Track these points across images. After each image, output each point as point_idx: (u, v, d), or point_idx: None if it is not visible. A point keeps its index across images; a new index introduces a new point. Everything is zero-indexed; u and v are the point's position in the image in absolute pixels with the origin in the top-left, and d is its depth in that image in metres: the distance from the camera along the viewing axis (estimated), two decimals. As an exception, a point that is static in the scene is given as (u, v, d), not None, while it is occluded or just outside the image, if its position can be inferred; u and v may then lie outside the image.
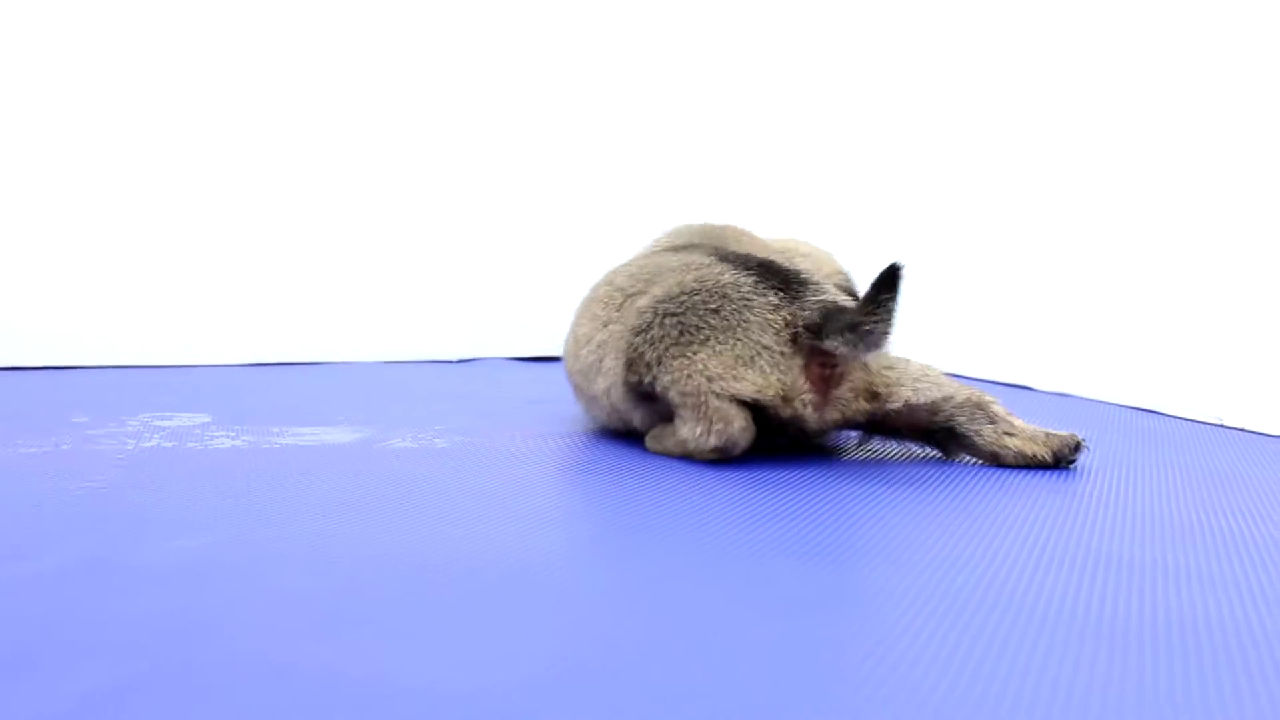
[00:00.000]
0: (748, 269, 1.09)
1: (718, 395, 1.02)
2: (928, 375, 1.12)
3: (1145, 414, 1.59)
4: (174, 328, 1.68)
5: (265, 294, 1.73)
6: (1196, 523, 0.94)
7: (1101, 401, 1.69)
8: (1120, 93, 1.65)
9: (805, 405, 1.04)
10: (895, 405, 1.08)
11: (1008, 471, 1.10)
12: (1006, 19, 1.72)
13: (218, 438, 1.15)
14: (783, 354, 1.03)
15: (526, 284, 1.88)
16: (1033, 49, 1.74)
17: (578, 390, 1.21)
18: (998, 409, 1.12)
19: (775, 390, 1.03)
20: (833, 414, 1.06)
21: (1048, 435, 1.12)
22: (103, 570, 0.72)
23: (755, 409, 1.04)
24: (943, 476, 1.08)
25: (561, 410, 1.32)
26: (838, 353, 1.02)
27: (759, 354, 1.02)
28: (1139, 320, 1.63)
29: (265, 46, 1.71)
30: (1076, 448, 1.11)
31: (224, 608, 0.66)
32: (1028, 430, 1.12)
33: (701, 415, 1.03)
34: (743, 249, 1.20)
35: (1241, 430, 1.50)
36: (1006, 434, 1.11)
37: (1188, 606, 0.71)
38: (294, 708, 0.53)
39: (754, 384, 1.02)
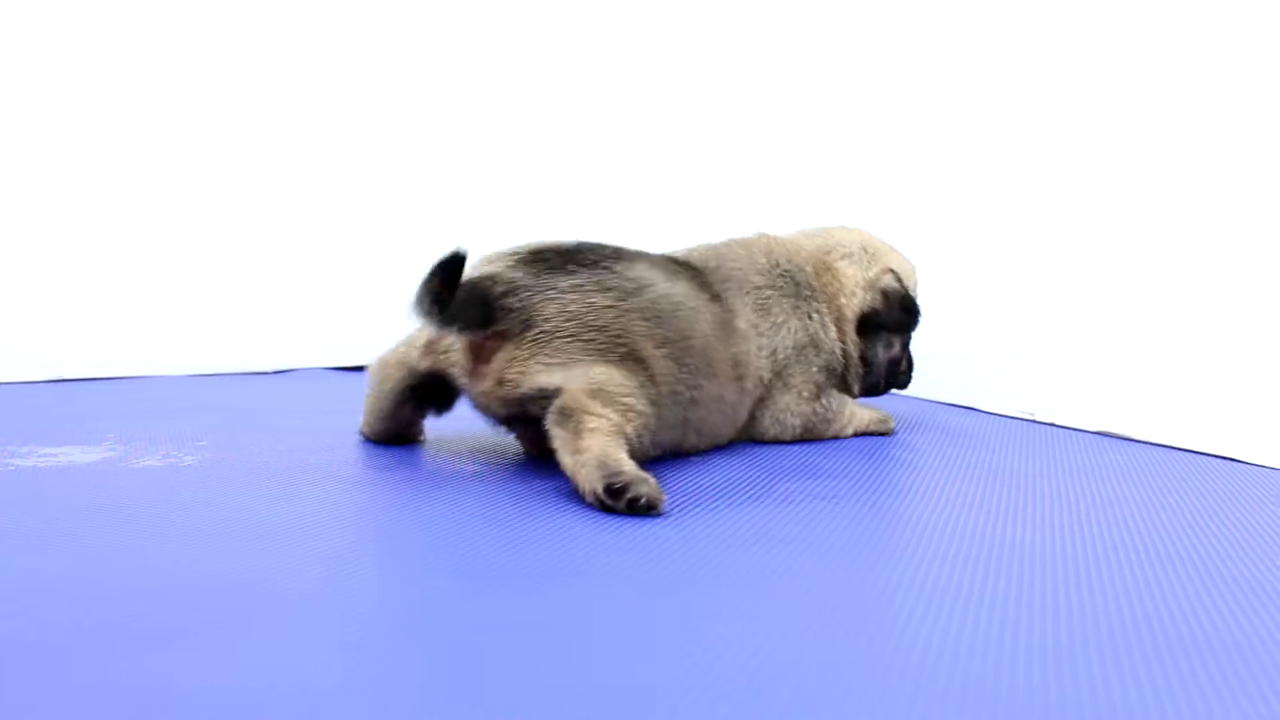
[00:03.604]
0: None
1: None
2: (592, 375, 1.01)
3: (959, 410, 1.60)
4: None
5: (64, 306, 1.63)
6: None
7: (924, 399, 1.69)
8: (1051, 113, 1.65)
9: (460, 372, 1.07)
10: (525, 389, 1.02)
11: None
12: (1024, 32, 1.70)
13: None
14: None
15: (346, 291, 1.81)
16: (1033, 58, 1.72)
17: None
18: (591, 423, 0.97)
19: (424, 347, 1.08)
20: (485, 384, 1.05)
21: (605, 470, 0.93)
22: None
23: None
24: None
25: (349, 422, 1.26)
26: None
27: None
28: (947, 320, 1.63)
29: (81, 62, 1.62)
30: (621, 492, 0.92)
31: None
32: (587, 456, 0.95)
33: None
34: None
35: (1052, 425, 1.51)
36: (574, 453, 0.96)
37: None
38: None
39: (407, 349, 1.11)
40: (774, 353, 1.27)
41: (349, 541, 0.85)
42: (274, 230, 1.77)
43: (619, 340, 1.04)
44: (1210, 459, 1.30)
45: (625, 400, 1.00)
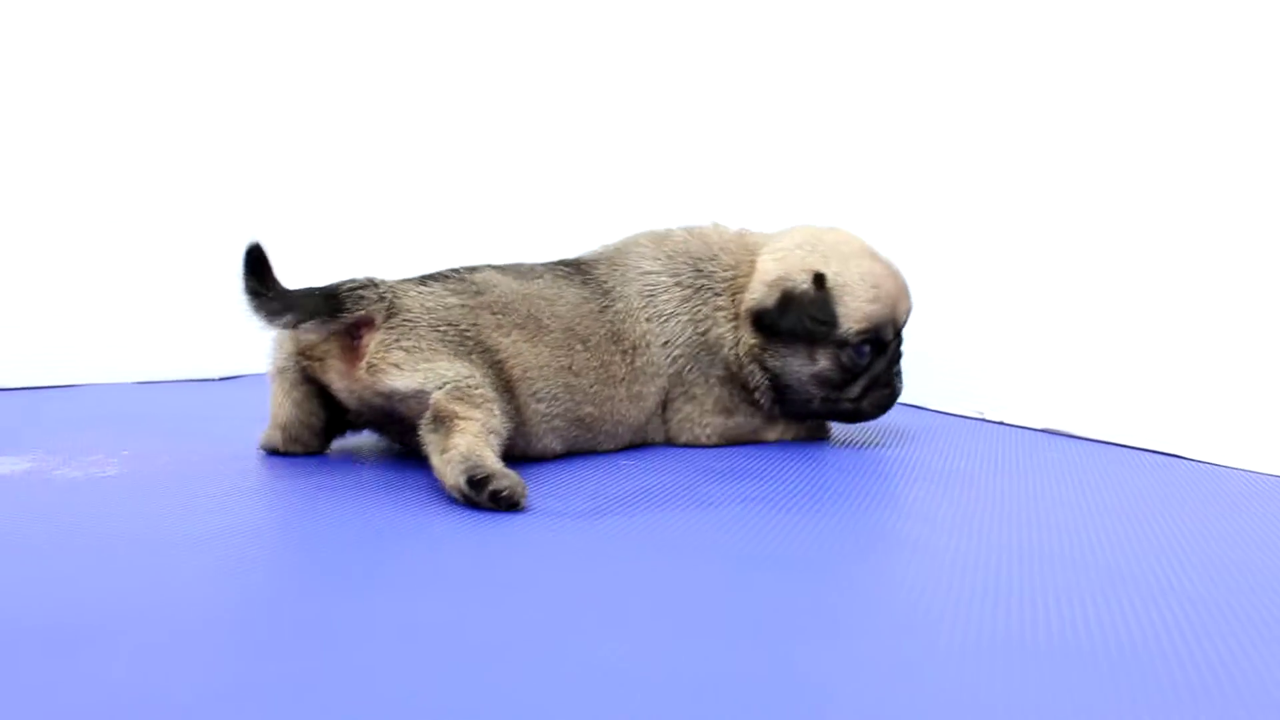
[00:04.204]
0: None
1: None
2: (451, 375, 1.03)
3: (910, 409, 1.58)
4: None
5: (5, 313, 1.62)
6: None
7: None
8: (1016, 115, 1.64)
9: (337, 375, 1.08)
10: (393, 381, 1.04)
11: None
12: (988, 29, 1.69)
13: None
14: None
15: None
16: (991, 57, 1.71)
17: None
18: (461, 425, 0.98)
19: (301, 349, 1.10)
20: (359, 372, 1.06)
21: (468, 463, 0.95)
22: None
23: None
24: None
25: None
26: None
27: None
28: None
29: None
30: (483, 483, 0.93)
31: None
32: (453, 453, 0.96)
33: None
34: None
35: (1001, 424, 1.50)
36: (441, 452, 0.97)
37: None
38: None
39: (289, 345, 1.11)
40: (667, 343, 1.24)
41: (249, 552, 0.83)
42: (220, 234, 1.75)
43: (467, 335, 1.09)
44: (1154, 455, 1.30)
45: (480, 392, 1.03)
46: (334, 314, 1.05)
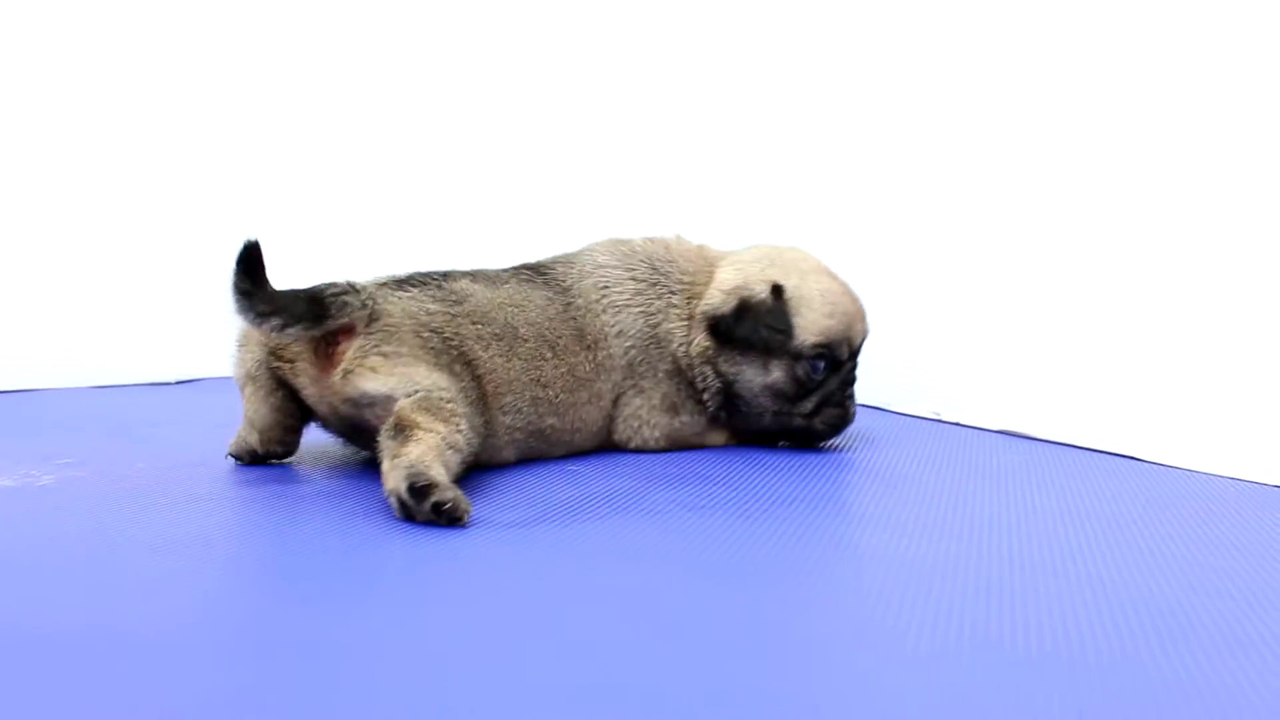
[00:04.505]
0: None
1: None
2: (423, 383, 1.01)
3: (868, 410, 1.58)
4: None
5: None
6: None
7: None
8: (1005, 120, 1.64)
9: (308, 380, 1.07)
10: (365, 386, 1.02)
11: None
12: (1018, 39, 1.67)
13: None
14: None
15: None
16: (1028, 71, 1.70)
17: None
18: (419, 435, 0.96)
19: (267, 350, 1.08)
20: (332, 378, 1.04)
21: (413, 471, 0.93)
22: None
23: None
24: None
25: (230, 435, 1.23)
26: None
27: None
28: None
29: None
30: (424, 491, 0.91)
31: None
32: (401, 460, 0.94)
33: None
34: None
35: (957, 425, 1.50)
36: (391, 458, 0.95)
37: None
38: None
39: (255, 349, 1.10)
40: (620, 334, 1.23)
41: (202, 561, 0.82)
42: (178, 236, 1.73)
43: (451, 343, 1.07)
44: (1109, 457, 1.30)
45: (449, 406, 1.01)
46: (318, 320, 1.02)
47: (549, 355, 1.16)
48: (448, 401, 1.01)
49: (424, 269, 1.18)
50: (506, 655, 0.66)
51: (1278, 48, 1.17)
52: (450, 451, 0.98)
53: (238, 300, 1.01)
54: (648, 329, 1.25)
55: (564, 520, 0.96)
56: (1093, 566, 0.87)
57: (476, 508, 0.96)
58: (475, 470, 1.08)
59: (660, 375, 1.25)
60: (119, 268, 1.69)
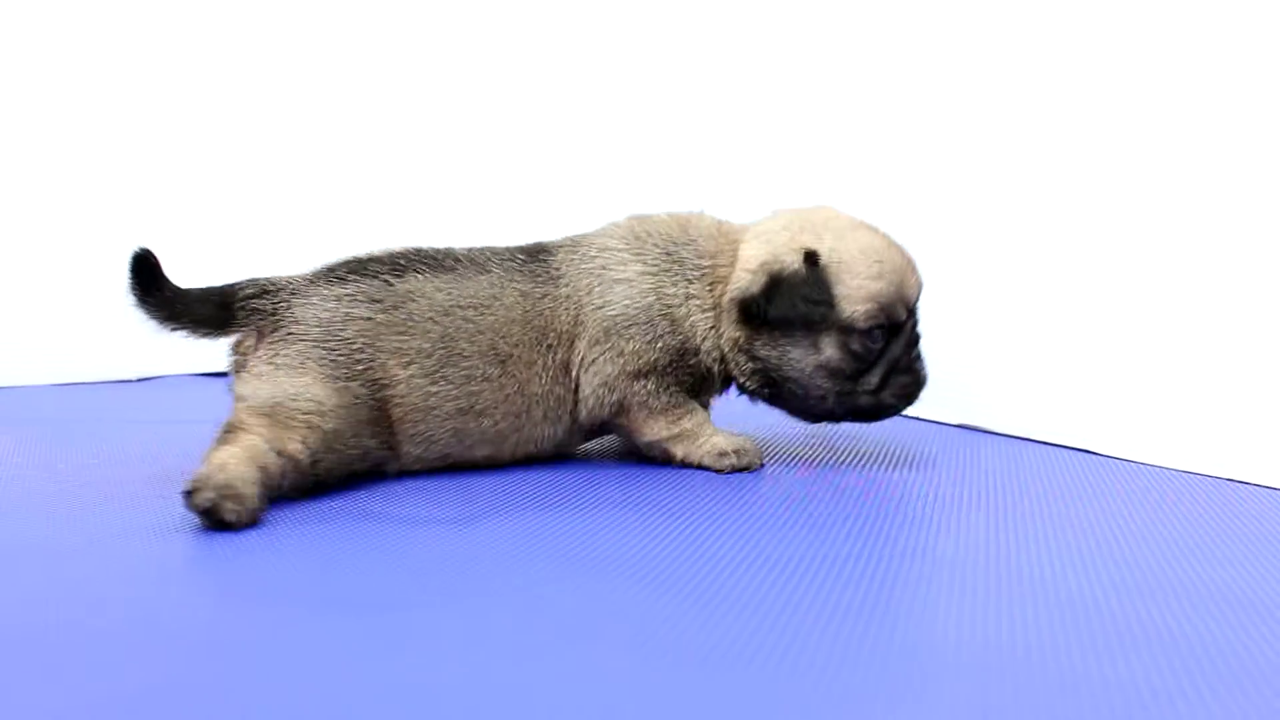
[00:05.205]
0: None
1: None
2: (286, 390, 0.98)
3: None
4: None
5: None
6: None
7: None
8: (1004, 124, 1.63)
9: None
10: (238, 394, 1.01)
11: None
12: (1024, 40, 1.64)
13: None
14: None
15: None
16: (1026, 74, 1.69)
17: None
18: (238, 436, 0.95)
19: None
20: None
21: (196, 476, 0.90)
22: None
23: None
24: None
25: (174, 432, 1.22)
26: None
27: None
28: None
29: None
30: (190, 496, 0.88)
31: None
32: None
33: None
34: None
35: (918, 419, 1.50)
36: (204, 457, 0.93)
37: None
38: None
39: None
40: (603, 305, 1.10)
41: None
42: (138, 229, 1.71)
43: (357, 357, 1.02)
44: (1069, 452, 1.29)
45: (302, 417, 0.97)
46: (221, 326, 1.02)
47: (494, 375, 1.07)
48: (305, 412, 0.97)
49: (400, 251, 1.10)
50: (430, 665, 0.65)
51: (1278, 50, 1.16)
52: (274, 455, 0.93)
53: (139, 309, 1.01)
54: (655, 301, 1.11)
55: (494, 516, 0.95)
56: (1042, 564, 0.86)
57: (399, 500, 0.96)
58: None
59: (657, 346, 1.11)
60: (81, 265, 1.67)
